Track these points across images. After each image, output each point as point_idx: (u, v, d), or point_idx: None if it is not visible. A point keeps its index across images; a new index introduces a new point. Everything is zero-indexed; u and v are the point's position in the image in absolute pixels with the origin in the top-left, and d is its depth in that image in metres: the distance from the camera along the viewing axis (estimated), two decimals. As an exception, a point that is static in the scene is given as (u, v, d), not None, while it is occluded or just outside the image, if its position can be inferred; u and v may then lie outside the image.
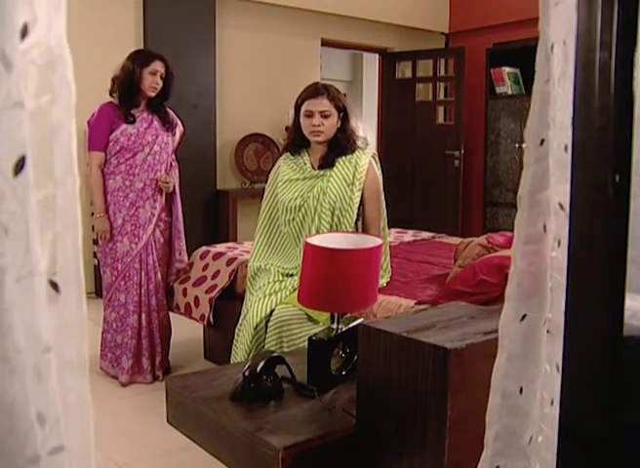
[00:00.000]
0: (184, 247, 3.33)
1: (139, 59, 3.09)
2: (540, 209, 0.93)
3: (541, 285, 0.95)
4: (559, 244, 0.98)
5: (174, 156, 3.27)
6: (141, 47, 4.66)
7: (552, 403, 1.02)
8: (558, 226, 0.97)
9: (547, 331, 0.98)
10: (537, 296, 0.94)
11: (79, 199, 0.64)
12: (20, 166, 0.56)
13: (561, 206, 0.97)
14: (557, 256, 0.98)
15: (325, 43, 5.99)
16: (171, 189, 3.20)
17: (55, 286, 0.63)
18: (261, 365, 1.67)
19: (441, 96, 6.58)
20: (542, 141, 0.90)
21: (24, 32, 0.57)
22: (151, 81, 3.07)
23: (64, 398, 0.64)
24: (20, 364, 0.56)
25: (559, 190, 0.96)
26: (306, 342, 1.82)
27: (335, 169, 2.65)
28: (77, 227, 0.64)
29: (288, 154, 2.77)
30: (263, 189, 2.84)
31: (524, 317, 0.94)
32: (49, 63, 0.60)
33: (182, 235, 3.31)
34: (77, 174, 0.64)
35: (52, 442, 0.60)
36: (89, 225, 4.02)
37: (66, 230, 0.63)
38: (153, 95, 3.10)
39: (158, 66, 3.09)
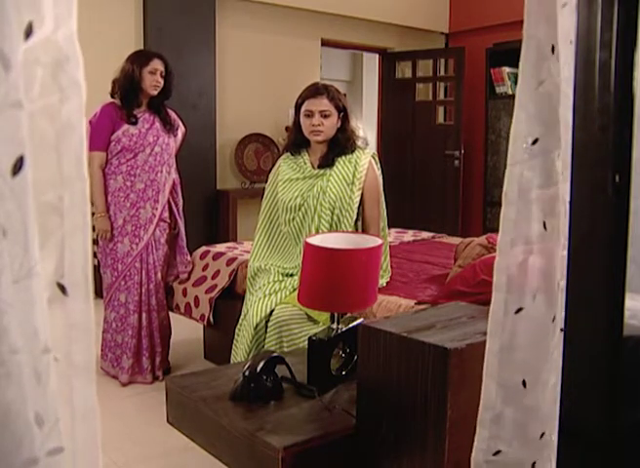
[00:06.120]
0: (189, 258, 3.37)
1: (137, 60, 3.09)
2: (537, 206, 0.92)
3: (548, 283, 0.94)
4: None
5: (175, 167, 3.27)
6: (141, 47, 4.66)
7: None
8: (563, 226, 0.97)
9: (561, 330, 0.98)
10: (540, 294, 0.94)
11: (88, 201, 0.64)
12: (18, 166, 0.55)
13: (564, 205, 0.97)
14: (565, 256, 0.98)
15: (325, 43, 5.99)
16: None
17: (62, 288, 0.62)
18: (261, 365, 1.67)
19: (441, 96, 6.58)
20: (536, 141, 0.89)
21: (29, 32, 0.56)
22: (152, 80, 3.07)
23: (71, 400, 0.63)
24: (16, 365, 0.56)
25: (562, 190, 0.96)
26: (306, 342, 1.82)
27: (335, 168, 2.65)
28: (86, 230, 0.63)
29: (288, 154, 2.77)
30: (263, 189, 2.84)
31: (519, 310, 0.93)
32: (57, 63, 0.59)
33: (186, 250, 3.37)
34: (87, 175, 0.63)
35: (50, 443, 0.60)
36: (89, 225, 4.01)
37: (74, 232, 0.63)
38: (155, 93, 3.11)
39: (157, 65, 3.10)
